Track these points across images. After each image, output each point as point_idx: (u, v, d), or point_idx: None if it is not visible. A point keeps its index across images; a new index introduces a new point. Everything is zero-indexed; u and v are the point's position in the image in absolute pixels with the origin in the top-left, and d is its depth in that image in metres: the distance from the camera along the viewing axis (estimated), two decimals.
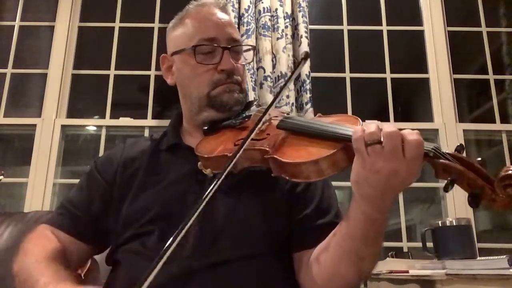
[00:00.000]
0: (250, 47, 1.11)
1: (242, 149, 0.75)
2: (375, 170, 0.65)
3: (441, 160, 0.64)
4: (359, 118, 0.78)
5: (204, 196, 0.69)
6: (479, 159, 0.64)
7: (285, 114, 0.90)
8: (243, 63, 1.04)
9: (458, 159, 0.64)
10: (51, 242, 0.92)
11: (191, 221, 0.66)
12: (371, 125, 0.66)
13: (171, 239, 0.65)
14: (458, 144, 0.66)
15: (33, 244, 0.92)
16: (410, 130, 0.66)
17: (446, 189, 0.63)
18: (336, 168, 0.71)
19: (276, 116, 0.88)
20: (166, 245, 0.64)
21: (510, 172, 0.59)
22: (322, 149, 0.71)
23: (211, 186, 0.70)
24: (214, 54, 0.97)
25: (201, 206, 0.68)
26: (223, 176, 0.72)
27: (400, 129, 0.66)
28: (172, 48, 1.04)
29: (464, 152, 0.66)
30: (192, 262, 0.80)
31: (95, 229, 0.96)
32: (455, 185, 0.64)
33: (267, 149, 0.77)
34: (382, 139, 0.64)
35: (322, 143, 0.73)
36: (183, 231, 0.65)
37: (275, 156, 0.75)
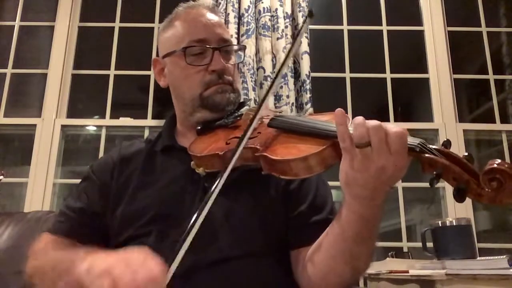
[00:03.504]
0: (241, 47, 1.11)
1: (241, 148, 0.76)
2: (363, 169, 0.65)
3: (426, 155, 0.64)
4: (349, 116, 0.77)
5: (211, 190, 0.69)
6: (466, 154, 0.64)
7: (277, 113, 0.91)
8: (234, 63, 1.04)
9: (444, 154, 0.64)
10: (58, 242, 0.92)
11: (202, 216, 0.67)
12: (361, 129, 0.64)
13: (187, 230, 0.66)
14: (445, 139, 0.67)
15: (43, 246, 0.92)
16: (392, 124, 0.66)
17: (432, 183, 0.63)
18: (325, 165, 0.72)
19: (268, 115, 0.88)
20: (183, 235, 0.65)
21: (495, 165, 0.59)
22: (312, 146, 0.72)
23: (216, 183, 0.70)
24: (204, 55, 0.98)
25: (211, 201, 0.69)
26: (227, 171, 0.72)
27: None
28: (163, 50, 1.04)
29: (451, 147, 0.66)
30: (191, 260, 0.80)
31: (96, 230, 0.95)
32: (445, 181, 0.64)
33: (258, 147, 0.78)
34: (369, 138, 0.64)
35: (311, 140, 0.73)
36: (195, 227, 0.67)
37: (265, 154, 0.75)
